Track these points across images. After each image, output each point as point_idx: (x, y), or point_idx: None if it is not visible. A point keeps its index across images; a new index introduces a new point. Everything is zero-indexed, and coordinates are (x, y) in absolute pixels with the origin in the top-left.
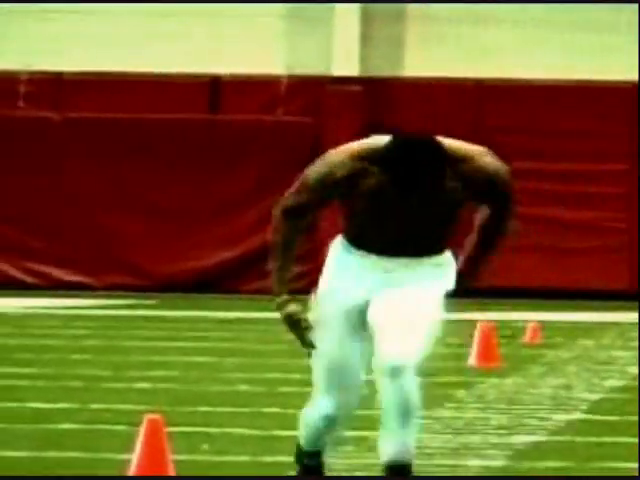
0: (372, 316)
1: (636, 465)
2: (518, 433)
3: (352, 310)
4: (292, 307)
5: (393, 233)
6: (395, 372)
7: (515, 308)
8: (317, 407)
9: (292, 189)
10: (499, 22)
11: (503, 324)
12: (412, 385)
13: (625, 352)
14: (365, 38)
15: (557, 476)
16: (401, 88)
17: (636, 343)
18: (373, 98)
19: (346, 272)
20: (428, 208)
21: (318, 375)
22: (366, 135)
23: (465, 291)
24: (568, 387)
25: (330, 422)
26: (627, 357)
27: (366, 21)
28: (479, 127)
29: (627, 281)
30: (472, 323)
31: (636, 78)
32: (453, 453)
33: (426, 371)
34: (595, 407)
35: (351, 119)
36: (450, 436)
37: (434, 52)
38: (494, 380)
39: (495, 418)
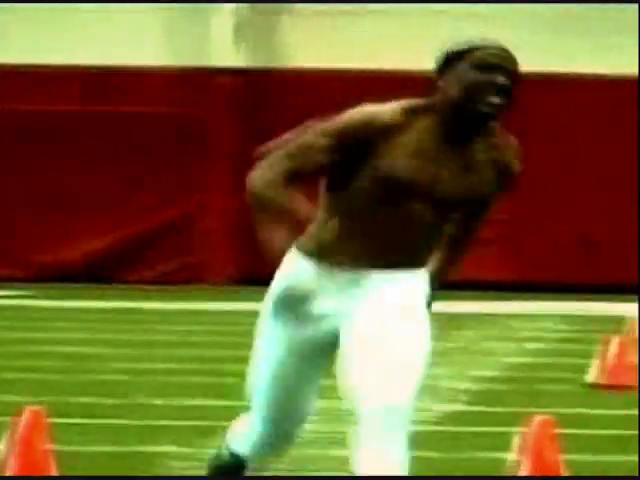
0: (347, 348)
1: (510, 455)
2: None
3: (314, 337)
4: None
5: (397, 225)
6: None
7: None
8: (249, 432)
9: (286, 149)
10: (378, 13)
11: None
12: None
13: (505, 343)
14: (245, 29)
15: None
16: (282, 79)
17: (516, 334)
18: (254, 89)
19: (307, 293)
20: (460, 183)
21: (256, 392)
22: (248, 127)
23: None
24: (448, 377)
25: (261, 452)
26: (506, 348)
27: (247, 11)
28: None
29: (508, 272)
30: None
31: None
32: (337, 443)
33: None
34: (474, 397)
35: (232, 110)
36: (333, 426)
37: (316, 43)
38: None
39: None
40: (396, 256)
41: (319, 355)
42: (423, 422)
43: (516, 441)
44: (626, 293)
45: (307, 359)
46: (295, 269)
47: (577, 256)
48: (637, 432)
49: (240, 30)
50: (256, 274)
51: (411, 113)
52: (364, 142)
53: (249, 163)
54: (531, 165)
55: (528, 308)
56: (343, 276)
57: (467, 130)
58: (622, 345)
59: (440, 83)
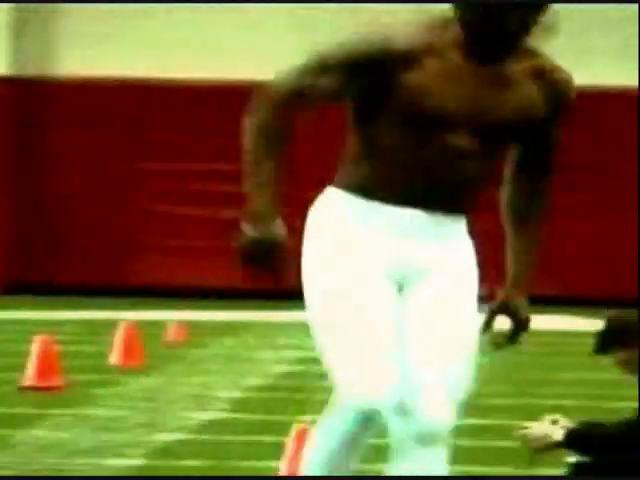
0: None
1: (275, 464)
2: (160, 431)
3: (381, 265)
4: (278, 228)
5: (439, 152)
6: (427, 440)
7: (160, 307)
8: (345, 408)
9: (298, 69)
10: (159, 19)
11: (147, 323)
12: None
13: (268, 352)
14: (17, 35)
15: (198, 476)
16: (55, 87)
17: (278, 342)
18: (26, 97)
19: (358, 230)
20: (500, 102)
21: (339, 361)
22: (18, 135)
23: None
24: (210, 386)
25: (367, 418)
26: (270, 357)
27: (19, 17)
28: (142, 127)
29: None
30: (116, 322)
31: None
32: (95, 451)
33: (68, 370)
34: (237, 406)
35: (2, 119)
36: (92, 434)
37: (91, 50)
38: (137, 379)
39: (136, 416)
40: (443, 196)
41: (389, 283)
42: (186, 430)
43: (281, 449)
44: None
45: (382, 281)
46: (344, 206)
47: None
48: None
49: (7, 38)
50: (20, 283)
51: (430, 33)
52: (379, 70)
53: (22, 170)
54: None
55: (293, 317)
56: (394, 215)
57: (493, 50)
58: None
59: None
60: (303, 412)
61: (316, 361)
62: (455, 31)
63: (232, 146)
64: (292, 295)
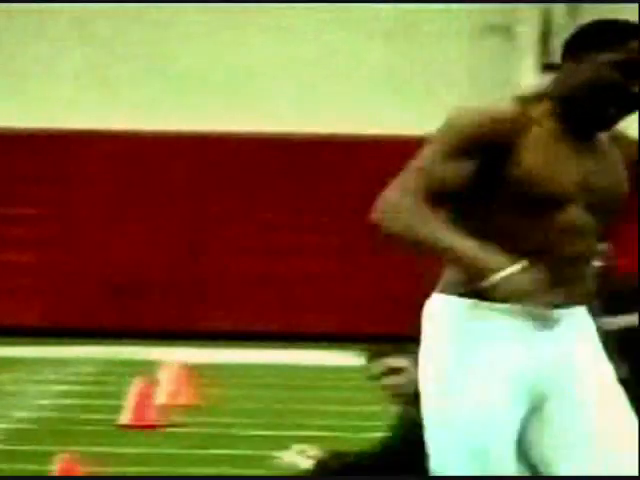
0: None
1: None
2: None
3: (517, 380)
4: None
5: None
6: None
7: None
8: None
9: (417, 174)
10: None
11: None
12: None
13: (34, 386)
14: None
15: None
16: None
17: (46, 378)
18: None
19: (495, 339)
20: (605, 177)
21: (450, 459)
22: None
23: None
24: None
25: None
26: (36, 391)
27: None
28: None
29: (35, 317)
30: None
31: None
32: None
33: None
34: (5, 437)
35: None
36: None
37: None
38: None
39: None
40: (568, 280)
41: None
42: None
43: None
44: (152, 338)
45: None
46: (481, 317)
47: (105, 301)
48: (161, 469)
49: None
50: None
51: (525, 108)
52: (490, 148)
53: None
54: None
55: (57, 352)
56: (529, 318)
57: (584, 127)
58: (147, 387)
59: (569, 65)
60: (68, 443)
61: (81, 394)
62: (543, 108)
63: (25, 191)
64: (61, 332)
